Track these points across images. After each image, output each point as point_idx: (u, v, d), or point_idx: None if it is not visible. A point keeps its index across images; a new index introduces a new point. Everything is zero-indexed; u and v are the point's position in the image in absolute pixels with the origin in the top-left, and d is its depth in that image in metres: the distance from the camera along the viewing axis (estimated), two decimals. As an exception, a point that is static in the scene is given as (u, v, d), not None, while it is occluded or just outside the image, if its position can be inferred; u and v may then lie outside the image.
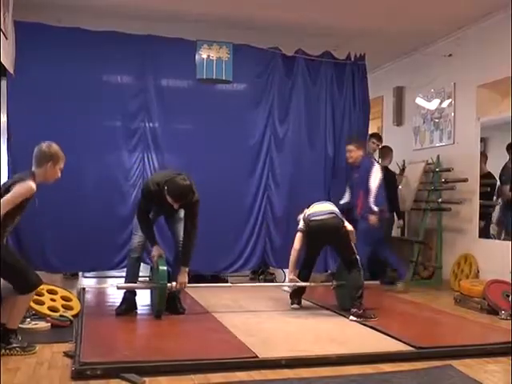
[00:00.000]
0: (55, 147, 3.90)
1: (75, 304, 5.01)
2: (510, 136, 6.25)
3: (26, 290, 3.75)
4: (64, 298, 5.01)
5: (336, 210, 5.36)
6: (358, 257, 5.21)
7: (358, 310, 4.94)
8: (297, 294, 5.49)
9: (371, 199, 6.29)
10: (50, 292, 4.96)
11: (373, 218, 6.30)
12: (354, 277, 5.15)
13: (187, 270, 4.93)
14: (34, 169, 3.80)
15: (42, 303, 4.68)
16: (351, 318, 4.91)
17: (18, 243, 5.92)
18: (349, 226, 5.31)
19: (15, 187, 3.63)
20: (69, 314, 4.68)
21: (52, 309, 4.70)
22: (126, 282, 5.11)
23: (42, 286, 4.76)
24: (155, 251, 4.94)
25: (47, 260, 6.08)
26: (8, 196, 3.59)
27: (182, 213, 5.01)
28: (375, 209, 6.30)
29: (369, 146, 7.51)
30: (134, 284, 5.10)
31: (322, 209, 5.34)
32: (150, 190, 4.81)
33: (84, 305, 5.25)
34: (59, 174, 3.94)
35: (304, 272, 5.48)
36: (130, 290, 5.09)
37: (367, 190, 6.35)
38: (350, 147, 6.60)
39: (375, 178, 6.39)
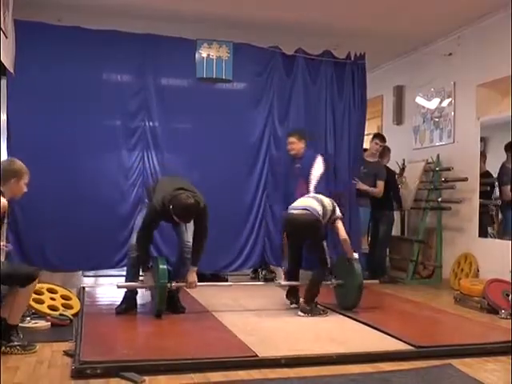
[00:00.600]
0: (18, 163, 3.94)
1: (75, 303, 5.01)
2: (509, 135, 6.25)
3: (26, 283, 3.75)
4: (64, 297, 5.01)
5: (315, 206, 5.17)
6: (327, 257, 5.17)
7: (307, 305, 5.03)
8: (291, 293, 5.49)
9: (310, 188, 6.17)
10: (50, 291, 4.97)
11: None
12: (317, 272, 5.17)
13: (196, 269, 4.97)
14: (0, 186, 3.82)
15: (41, 302, 4.69)
16: (299, 313, 5.04)
17: (18, 242, 5.92)
18: (342, 234, 5.27)
19: None
20: (69, 312, 4.68)
21: (52, 308, 4.70)
22: (126, 281, 5.10)
23: (41, 285, 4.79)
24: (146, 279, 4.97)
25: (47, 259, 6.07)
26: None
27: None
28: None
29: (372, 147, 7.52)
30: (133, 283, 5.09)
31: (299, 203, 5.31)
32: (156, 210, 4.79)
33: (84, 304, 5.25)
34: (25, 189, 3.96)
35: (290, 268, 5.48)
36: (130, 288, 5.09)
37: (308, 180, 6.25)
38: (292, 139, 6.43)
39: (318, 168, 6.27)
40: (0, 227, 3.82)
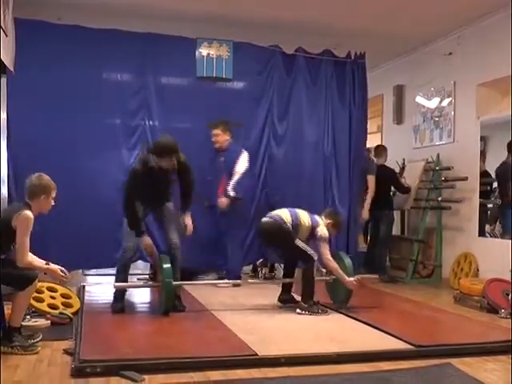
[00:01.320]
0: (46, 178, 3.95)
1: (75, 302, 5.02)
2: (509, 135, 6.25)
3: (24, 286, 3.76)
4: (64, 296, 5.01)
5: (283, 216, 5.17)
6: (309, 252, 5.12)
7: (304, 302, 5.08)
8: (284, 291, 5.49)
9: (231, 183, 6.22)
10: (50, 290, 4.96)
11: (223, 201, 6.23)
12: (304, 269, 5.19)
13: (189, 214, 5.27)
14: (28, 200, 3.84)
15: (41, 301, 4.69)
16: (297, 310, 5.08)
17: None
18: (326, 263, 5.18)
19: (18, 225, 3.73)
20: (68, 311, 4.68)
21: (52, 306, 4.70)
22: (116, 281, 5.10)
23: (41, 284, 4.79)
24: (144, 243, 5.12)
25: (47, 258, 6.06)
26: (20, 238, 3.72)
27: (170, 207, 5.20)
28: (231, 194, 6.22)
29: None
30: (132, 283, 5.11)
31: (271, 213, 5.36)
32: (135, 171, 4.97)
33: (84, 302, 5.26)
34: (52, 203, 3.99)
35: (284, 268, 5.66)
36: (127, 288, 5.11)
37: (231, 175, 6.27)
38: (216, 131, 6.37)
39: (242, 164, 6.28)
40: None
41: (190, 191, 5.23)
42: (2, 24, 5.10)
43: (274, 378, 3.36)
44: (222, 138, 6.36)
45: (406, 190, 7.58)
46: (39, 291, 4.69)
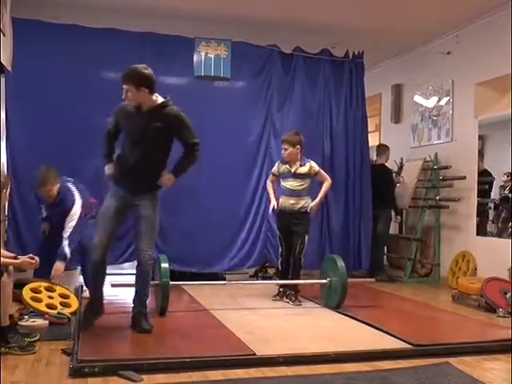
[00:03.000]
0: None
1: (73, 301, 5.00)
2: (507, 134, 6.25)
3: None
4: (62, 296, 5.00)
5: None
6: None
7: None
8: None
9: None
10: (48, 289, 4.95)
11: None
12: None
13: (173, 177, 4.30)
14: None
15: (39, 301, 4.67)
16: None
17: (18, 242, 5.92)
18: None
19: None
20: (67, 311, 4.68)
21: (50, 306, 4.69)
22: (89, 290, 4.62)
23: (39, 283, 4.79)
24: (107, 171, 4.38)
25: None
26: None
27: (148, 209, 4.22)
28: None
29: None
30: (130, 282, 5.07)
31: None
32: (118, 107, 4.33)
33: (82, 302, 5.24)
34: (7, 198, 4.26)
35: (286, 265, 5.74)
36: (124, 287, 5.06)
37: None
38: None
39: None
40: None
41: (189, 156, 4.30)
42: (0, 24, 5.10)
43: (272, 378, 3.36)
44: None
45: (392, 201, 7.57)
46: (37, 291, 4.68)
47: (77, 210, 5.21)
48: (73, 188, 5.37)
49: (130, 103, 4.21)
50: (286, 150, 5.61)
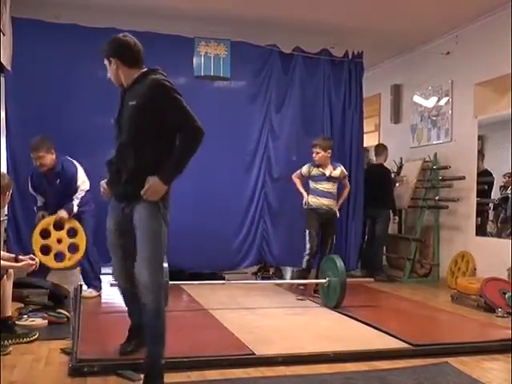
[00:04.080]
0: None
1: (81, 240, 5.29)
2: (507, 134, 6.25)
3: None
4: (71, 231, 5.33)
5: None
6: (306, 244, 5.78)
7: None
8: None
9: None
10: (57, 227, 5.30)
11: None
12: None
13: (158, 181, 3.04)
14: None
15: (49, 250, 4.94)
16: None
17: (18, 241, 5.91)
18: None
19: None
20: (74, 258, 5.07)
21: (59, 253, 5.13)
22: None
23: (49, 221, 5.25)
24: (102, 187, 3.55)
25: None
26: None
27: (142, 215, 3.10)
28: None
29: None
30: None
31: None
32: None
33: (81, 302, 5.25)
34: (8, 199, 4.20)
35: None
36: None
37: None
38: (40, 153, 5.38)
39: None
40: None
41: (184, 146, 3.11)
42: (0, 23, 5.10)
43: (271, 378, 3.36)
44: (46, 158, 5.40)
45: (391, 201, 7.57)
46: (47, 232, 5.15)
47: (83, 178, 5.50)
48: (75, 162, 5.50)
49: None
50: (317, 153, 5.86)
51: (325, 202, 5.83)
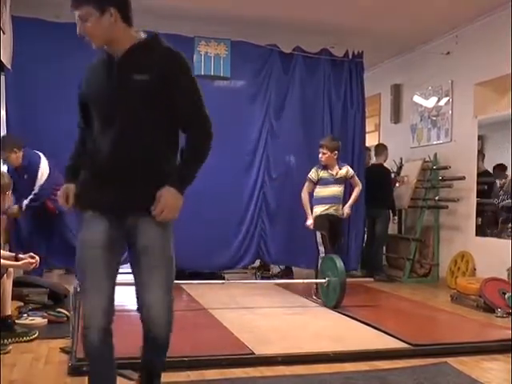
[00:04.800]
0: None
1: None
2: (507, 134, 6.25)
3: None
4: None
5: None
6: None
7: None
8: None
9: None
10: None
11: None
12: None
13: (176, 192, 2.36)
14: None
15: None
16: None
17: (18, 241, 5.92)
18: None
19: None
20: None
21: None
22: None
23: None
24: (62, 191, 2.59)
25: (45, 257, 6.07)
26: None
27: (153, 233, 2.36)
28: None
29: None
30: (130, 281, 5.06)
31: None
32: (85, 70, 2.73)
33: (80, 301, 5.24)
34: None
35: None
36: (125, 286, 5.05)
37: None
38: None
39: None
40: None
41: (199, 149, 2.55)
42: (0, 22, 5.10)
43: (270, 377, 3.36)
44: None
45: (390, 201, 7.56)
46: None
47: (44, 168, 5.45)
48: (40, 153, 5.50)
49: (98, 56, 2.54)
50: (324, 154, 5.73)
51: (333, 209, 5.70)
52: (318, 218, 5.69)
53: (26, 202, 5.48)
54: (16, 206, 5.47)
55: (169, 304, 2.45)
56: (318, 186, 5.79)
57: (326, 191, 5.72)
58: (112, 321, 2.41)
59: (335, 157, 5.75)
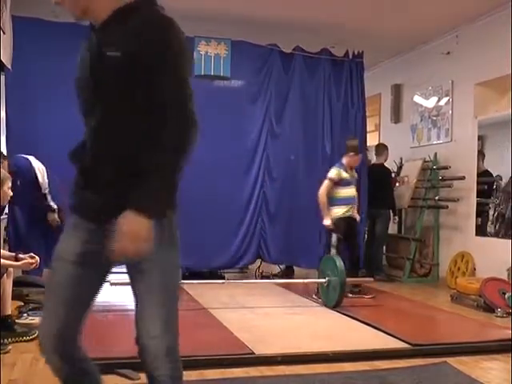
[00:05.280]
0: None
1: None
2: (507, 134, 6.25)
3: None
4: None
5: None
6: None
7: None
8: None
9: None
10: None
11: None
12: None
13: (135, 215, 1.73)
14: None
15: None
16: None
17: (18, 240, 5.92)
18: None
19: None
20: None
21: None
22: None
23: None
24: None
25: (45, 257, 6.07)
26: None
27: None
28: None
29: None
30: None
31: None
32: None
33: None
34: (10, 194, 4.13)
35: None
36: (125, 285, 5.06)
37: None
38: None
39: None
40: None
41: (179, 127, 1.80)
42: (0, 22, 5.10)
43: (270, 377, 3.36)
44: None
45: (391, 201, 7.55)
46: None
47: (39, 167, 5.41)
48: (28, 157, 5.48)
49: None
50: (355, 155, 5.84)
51: (351, 209, 5.76)
52: (339, 221, 5.67)
53: (52, 203, 5.41)
54: (51, 214, 5.42)
55: (172, 335, 2.15)
56: (339, 187, 5.74)
57: (348, 192, 5.75)
58: (76, 347, 1.98)
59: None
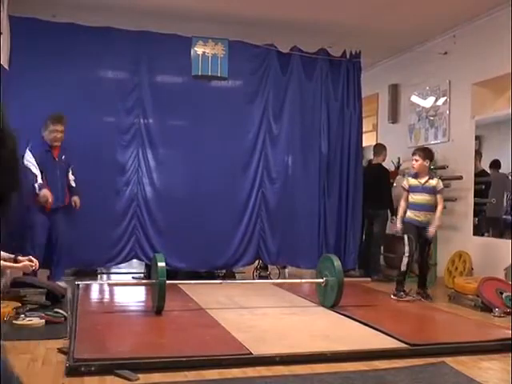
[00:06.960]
0: None
1: None
2: (504, 134, 6.26)
3: None
4: None
5: None
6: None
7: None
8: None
9: None
10: None
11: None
12: None
13: None
14: None
15: None
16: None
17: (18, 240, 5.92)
18: None
19: None
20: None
21: None
22: None
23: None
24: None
25: (44, 257, 6.06)
26: None
27: None
28: None
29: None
30: (127, 281, 5.08)
31: None
32: None
33: (78, 301, 5.24)
34: None
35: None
36: (122, 286, 5.07)
37: None
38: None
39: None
40: None
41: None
42: (-2, 22, 5.09)
43: (268, 377, 3.35)
44: None
45: (389, 200, 7.55)
46: None
47: (29, 158, 5.61)
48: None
49: None
50: (416, 161, 5.89)
51: (420, 217, 5.84)
52: (404, 223, 5.91)
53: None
54: (75, 198, 5.84)
55: None
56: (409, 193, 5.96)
57: (414, 198, 5.88)
58: None
59: (427, 165, 5.90)
